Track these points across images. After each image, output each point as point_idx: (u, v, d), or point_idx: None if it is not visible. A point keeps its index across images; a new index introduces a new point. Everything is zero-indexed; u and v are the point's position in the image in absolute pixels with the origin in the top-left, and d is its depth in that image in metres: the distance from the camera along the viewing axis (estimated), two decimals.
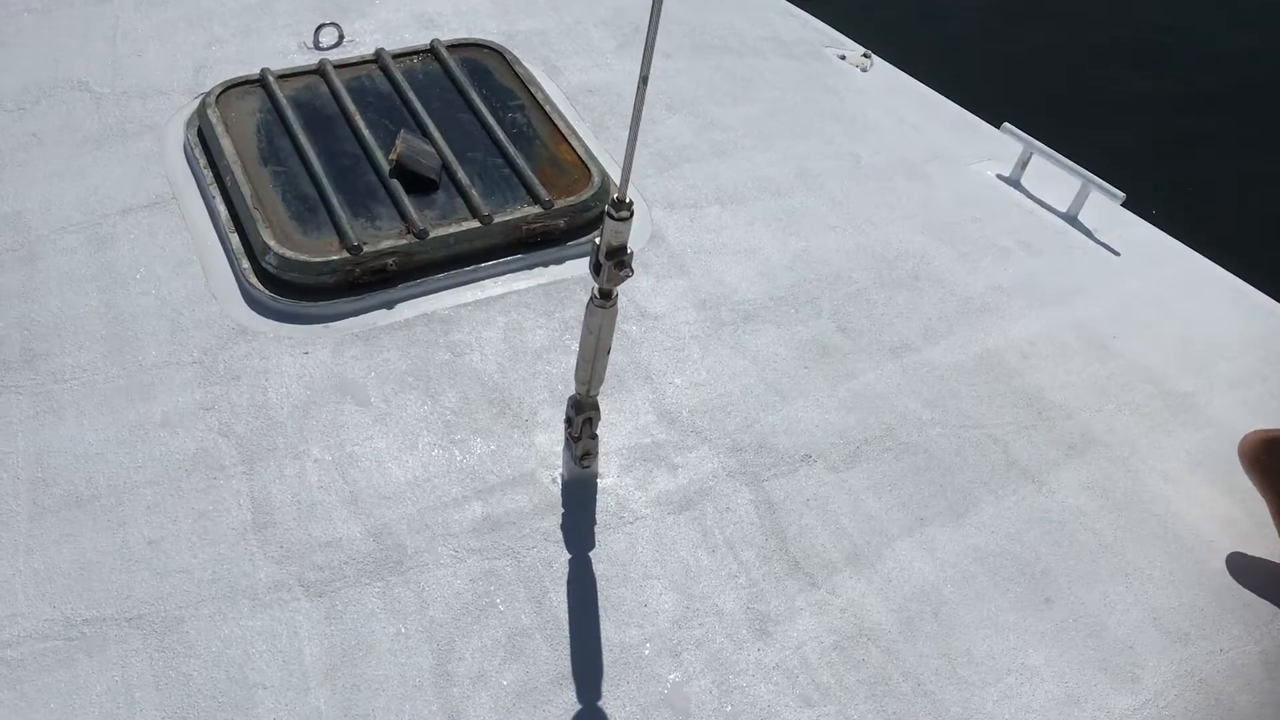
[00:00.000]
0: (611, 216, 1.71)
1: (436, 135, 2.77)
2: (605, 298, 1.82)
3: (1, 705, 1.80)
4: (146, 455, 2.16)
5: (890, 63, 3.79)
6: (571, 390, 2.13)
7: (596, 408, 2.07)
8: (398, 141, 2.68)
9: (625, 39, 3.39)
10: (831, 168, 3.10)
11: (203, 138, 2.77)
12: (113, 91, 2.97)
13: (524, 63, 3.08)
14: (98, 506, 2.07)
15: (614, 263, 1.73)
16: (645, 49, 1.59)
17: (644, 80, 1.60)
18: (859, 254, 2.81)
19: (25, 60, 3.06)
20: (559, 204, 2.62)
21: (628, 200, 1.71)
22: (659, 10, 1.53)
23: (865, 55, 3.75)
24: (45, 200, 2.67)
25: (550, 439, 2.26)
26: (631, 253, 1.77)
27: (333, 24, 3.17)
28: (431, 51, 3.04)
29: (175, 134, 2.85)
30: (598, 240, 1.76)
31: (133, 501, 2.08)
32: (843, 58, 3.71)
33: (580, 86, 3.16)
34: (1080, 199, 3.11)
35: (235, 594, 1.96)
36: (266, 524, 2.06)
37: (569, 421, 2.10)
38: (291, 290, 2.45)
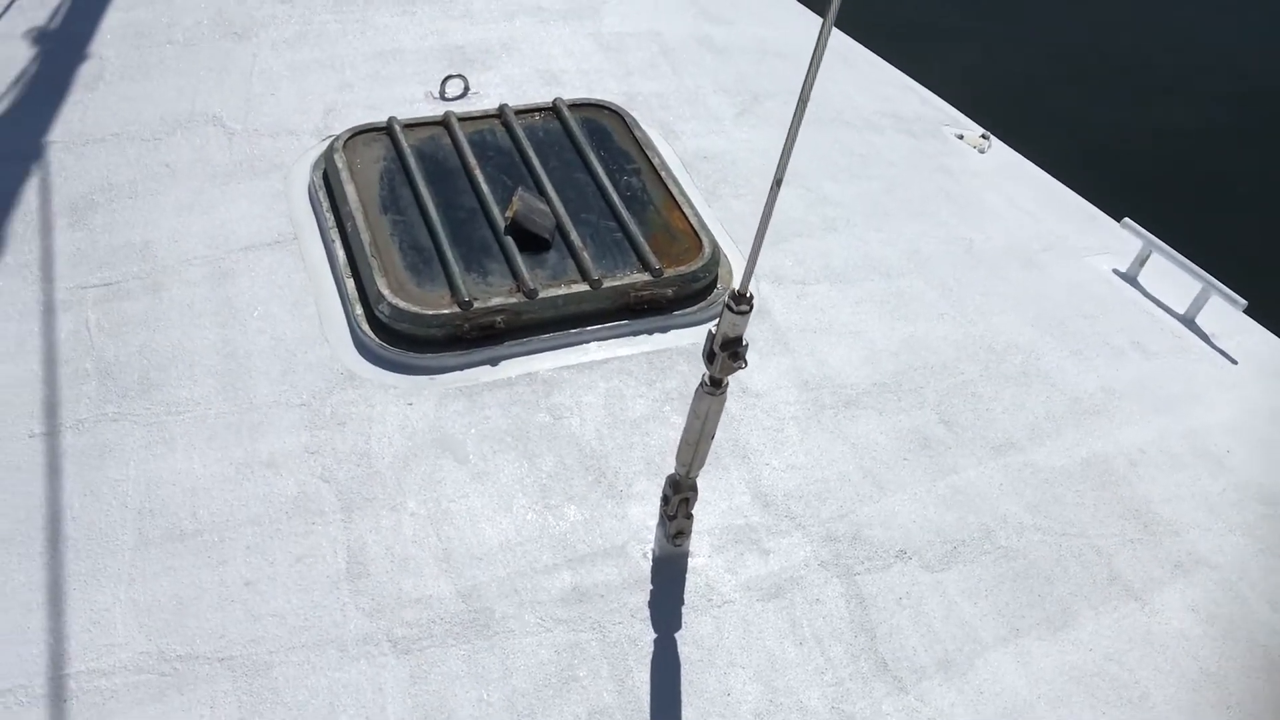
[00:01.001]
0: (730, 309, 1.70)
1: (552, 194, 2.80)
2: (716, 385, 1.82)
3: None
4: (250, 494, 2.20)
5: (1009, 145, 3.74)
6: (668, 465, 2.12)
7: (695, 488, 2.06)
8: (515, 199, 2.72)
9: (744, 107, 3.40)
10: (943, 251, 3.06)
11: (327, 181, 2.84)
12: (245, 129, 3.07)
13: (642, 125, 3.11)
14: (200, 542, 2.11)
15: (729, 354, 1.73)
16: (783, 151, 1.59)
17: (778, 183, 1.60)
18: (967, 343, 2.77)
19: (164, 92, 3.18)
20: (668, 273, 2.63)
21: (749, 294, 1.70)
22: (800, 118, 1.53)
23: (984, 136, 3.70)
24: (173, 231, 2.76)
25: (643, 512, 2.25)
26: (746, 345, 1.77)
27: (459, 75, 3.24)
28: (553, 109, 3.09)
29: (301, 175, 2.93)
30: (713, 329, 1.76)
31: (234, 540, 2.12)
32: (960, 137, 3.68)
33: (696, 152, 3.18)
34: (1200, 302, 3.03)
35: (324, 643, 1.98)
36: (360, 574, 2.09)
37: (665, 499, 2.09)
38: (401, 340, 2.49)
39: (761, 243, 1.69)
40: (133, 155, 2.98)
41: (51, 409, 2.35)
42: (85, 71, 3.26)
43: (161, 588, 2.04)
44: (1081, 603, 2.22)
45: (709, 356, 1.77)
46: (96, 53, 3.33)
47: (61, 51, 3.35)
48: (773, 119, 3.37)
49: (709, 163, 3.15)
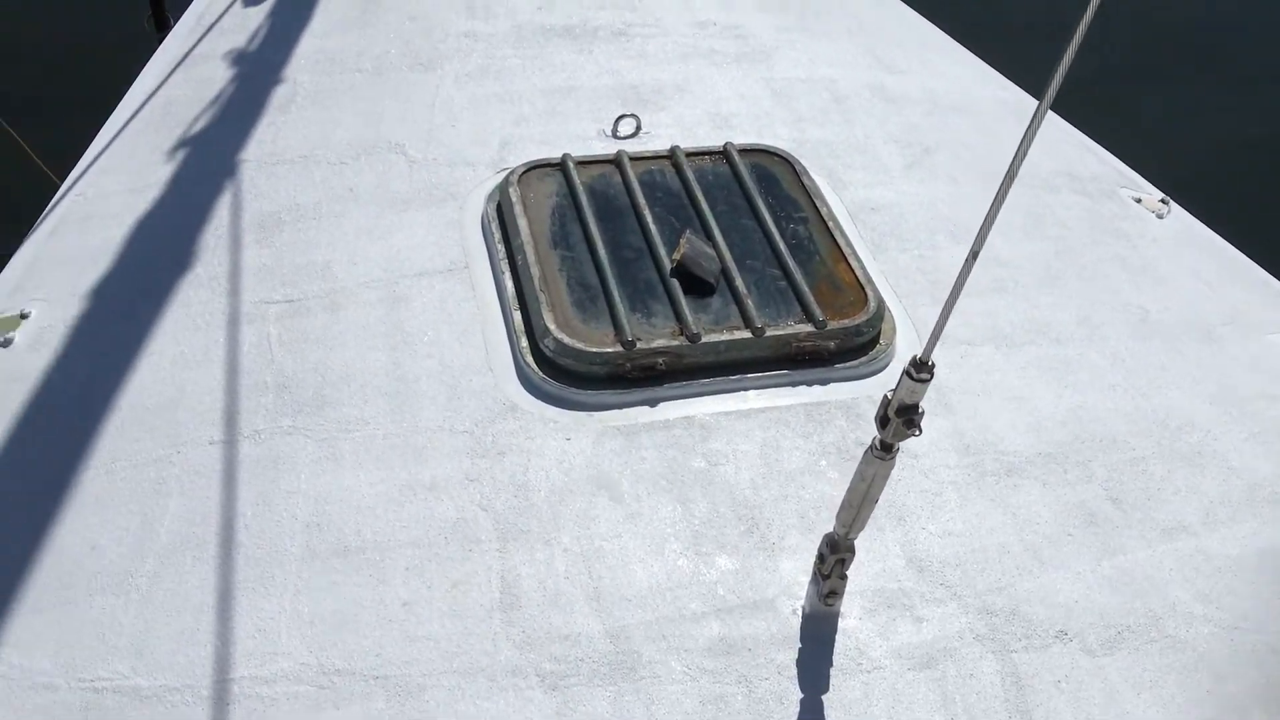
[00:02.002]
0: (911, 376, 1.68)
1: (719, 238, 2.81)
2: (886, 450, 1.79)
3: None
4: (411, 516, 2.27)
5: (1189, 210, 3.60)
6: (822, 520, 2.10)
7: (852, 550, 2.03)
8: (682, 241, 2.74)
9: (914, 159, 3.36)
10: (1116, 319, 2.96)
11: (501, 213, 2.92)
12: (425, 158, 3.18)
13: (811, 173, 3.10)
14: (363, 559, 2.18)
15: (903, 420, 1.70)
16: (984, 223, 1.56)
17: (974, 256, 1.57)
18: (1139, 418, 2.66)
19: (351, 118, 3.33)
20: (832, 325, 2.60)
21: (930, 363, 1.68)
22: (1005, 192, 1.50)
23: (1163, 201, 3.57)
24: (352, 253, 2.87)
25: (795, 567, 2.23)
26: (922, 412, 1.74)
27: (632, 115, 3.29)
28: (723, 153, 3.11)
29: (476, 205, 3.01)
30: (889, 394, 1.73)
31: (394, 560, 2.18)
32: (1138, 200, 3.55)
33: (863, 203, 3.15)
34: None
35: (475, 671, 2.01)
36: (512, 605, 2.12)
37: (821, 558, 2.07)
38: (563, 375, 2.53)
39: (950, 312, 1.66)
40: (319, 178, 3.12)
41: (231, 418, 2.47)
42: (279, 95, 3.43)
43: (324, 602, 2.11)
44: (1254, 705, 2.10)
45: (882, 421, 1.74)
46: (290, 77, 3.51)
47: (258, 74, 3.54)
48: (942, 173, 3.32)
49: (876, 214, 3.12)
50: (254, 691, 1.97)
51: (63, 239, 3.03)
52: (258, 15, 3.83)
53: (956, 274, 2.93)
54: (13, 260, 3.05)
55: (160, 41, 5.94)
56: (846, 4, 4.20)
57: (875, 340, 2.68)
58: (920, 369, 1.67)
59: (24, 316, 2.78)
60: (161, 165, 3.21)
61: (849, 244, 2.86)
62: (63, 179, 6.06)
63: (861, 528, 1.97)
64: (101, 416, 2.49)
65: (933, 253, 3.02)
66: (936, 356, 2.73)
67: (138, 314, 2.74)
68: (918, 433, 1.73)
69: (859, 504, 1.90)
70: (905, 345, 2.71)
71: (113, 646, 2.04)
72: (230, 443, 2.41)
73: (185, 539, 2.22)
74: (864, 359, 2.64)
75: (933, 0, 4.58)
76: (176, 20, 5.91)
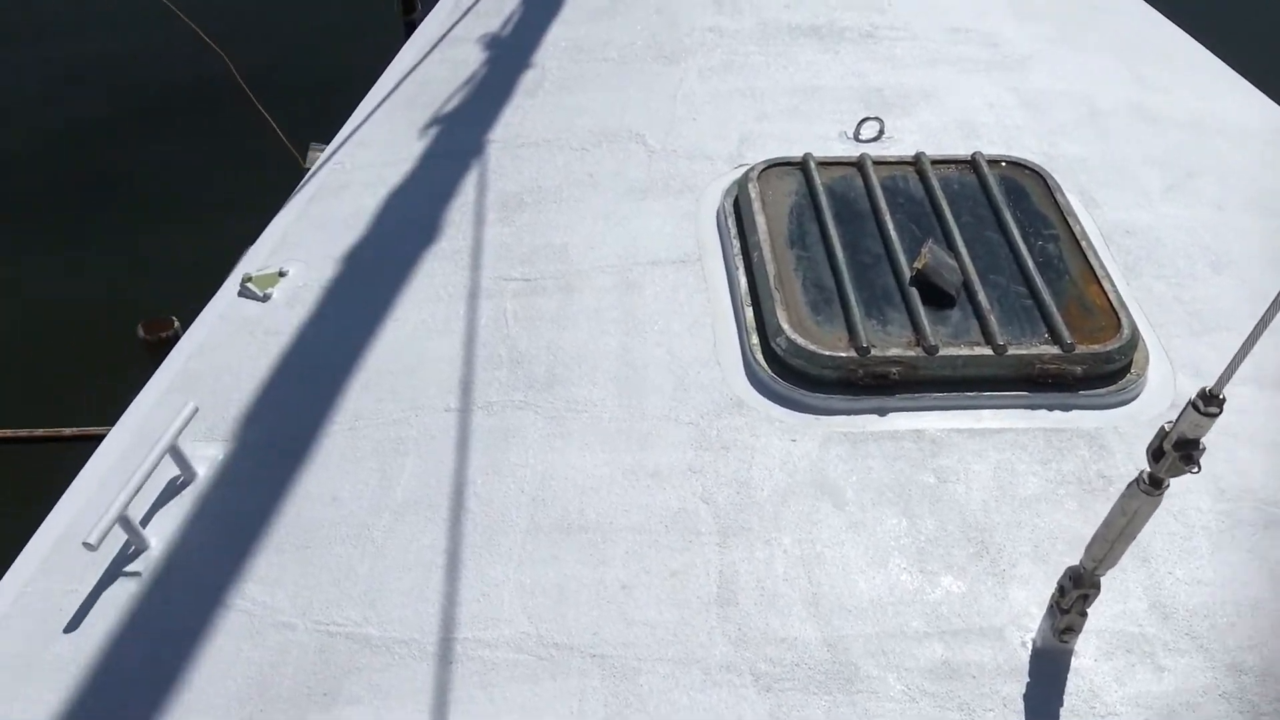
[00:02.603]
0: (1198, 410, 1.56)
1: (962, 250, 2.72)
2: (1155, 486, 1.68)
3: (471, 701, 1.96)
4: (634, 501, 2.28)
5: None
6: (1057, 550, 1.99)
7: (1098, 586, 1.91)
8: (924, 250, 2.66)
9: (1174, 182, 3.16)
10: None
11: (738, 208, 2.91)
12: (664, 148, 3.20)
13: (1064, 191, 2.96)
14: (584, 539, 2.21)
15: (1181, 455, 1.59)
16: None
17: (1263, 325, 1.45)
18: None
19: (595, 106, 3.38)
20: (1081, 349, 2.47)
21: (1222, 396, 1.56)
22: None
23: None
24: (589, 238, 2.92)
25: (1026, 596, 2.12)
26: (1203, 448, 1.62)
27: (876, 118, 3.22)
28: (971, 163, 3.00)
29: (712, 198, 3.01)
30: (1168, 426, 1.62)
31: (615, 542, 2.20)
32: None
33: (1117, 225, 2.98)
34: None
35: (690, 662, 2.00)
36: (729, 602, 2.10)
37: (1061, 591, 1.96)
38: (792, 375, 2.50)
39: (1251, 347, 1.53)
40: (561, 162, 3.18)
41: (467, 388, 2.54)
42: (527, 79, 3.53)
43: (546, 575, 2.15)
44: None
45: (1156, 454, 1.63)
46: (539, 63, 3.60)
47: (508, 58, 3.65)
48: (1205, 199, 3.11)
49: (1131, 238, 2.94)
50: (476, 654, 2.02)
51: (321, 204, 3.20)
52: (512, 1, 3.95)
53: (1219, 308, 2.75)
54: (275, 221, 3.24)
55: (406, 24, 6.23)
56: (1107, 17, 4.00)
57: (1126, 369, 2.53)
58: (1210, 402, 1.55)
59: (282, 274, 2.94)
60: (414, 141, 3.34)
61: (1101, 266, 2.71)
62: (304, 154, 6.41)
63: (1113, 565, 1.86)
64: (347, 375, 2.61)
65: (1191, 282, 2.82)
66: (1184, 389, 2.57)
67: (385, 280, 2.86)
68: (1196, 470, 1.61)
69: (1115, 539, 1.79)
70: (1158, 377, 2.55)
71: (347, 594, 2.14)
72: (465, 411, 2.49)
73: (419, 499, 2.30)
74: (1112, 388, 2.49)
75: (1200, 20, 4.30)
76: (422, 6, 6.19)
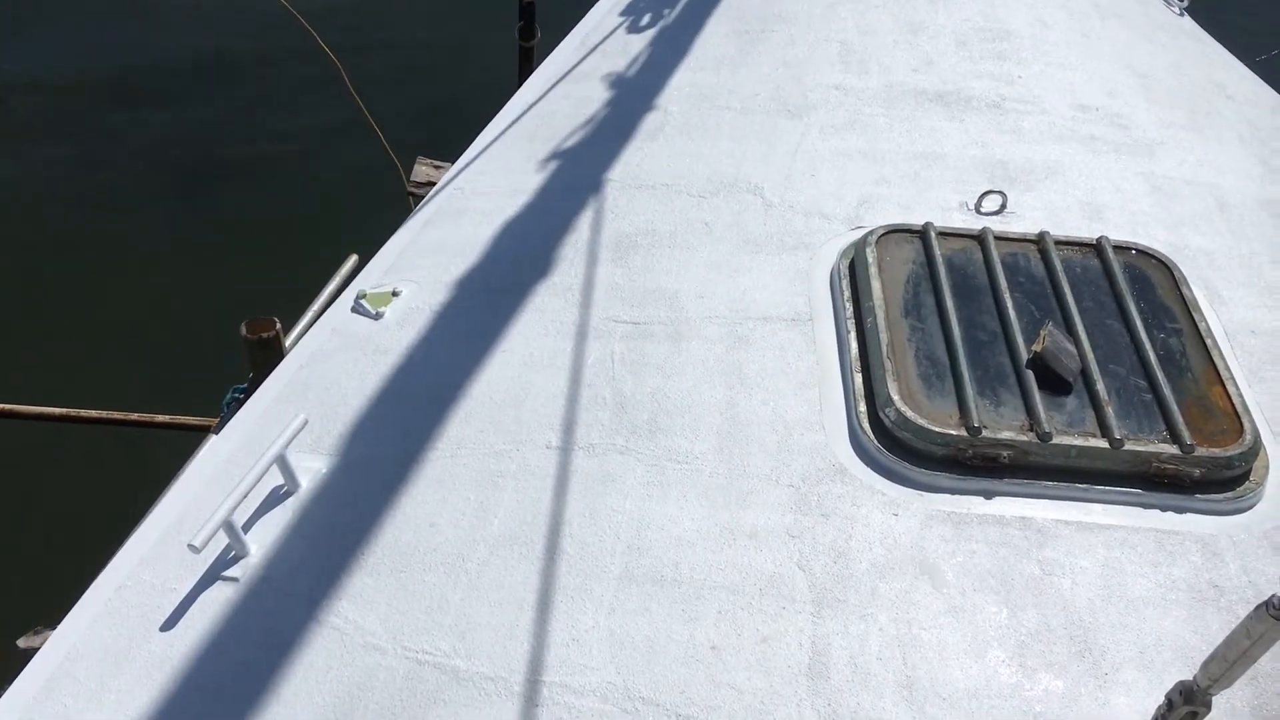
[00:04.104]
0: None
1: (1082, 336, 2.66)
2: None
3: None
4: (729, 560, 2.26)
5: None
6: (1162, 658, 1.92)
7: (1209, 705, 1.85)
8: (1043, 333, 2.61)
9: None
10: None
11: (854, 271, 2.89)
12: (781, 203, 3.19)
13: (1190, 284, 2.89)
14: (677, 593, 2.19)
15: None
16: None
17: None
18: None
19: (715, 154, 3.39)
20: (1200, 451, 2.40)
21: None
22: None
23: None
24: (701, 286, 2.92)
25: (1127, 704, 2.06)
26: None
27: (999, 191, 3.18)
28: (1096, 247, 2.94)
29: (827, 258, 3.00)
30: None
31: (707, 600, 2.18)
32: None
33: (1242, 324, 2.90)
34: None
35: None
36: (820, 675, 2.07)
37: (1169, 705, 1.90)
38: (898, 447, 2.46)
39: None
40: (677, 207, 3.19)
41: (569, 427, 2.55)
42: (649, 121, 3.55)
43: (637, 626, 2.13)
44: None
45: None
46: (663, 106, 3.62)
47: (632, 99, 3.68)
48: None
49: (1256, 339, 2.86)
50: (562, 699, 2.01)
51: (437, 228, 3.25)
52: (639, 42, 3.99)
53: None
54: (391, 241, 3.30)
55: (522, 50, 6.32)
56: (1240, 106, 3.91)
57: (1245, 476, 2.45)
58: None
59: (395, 294, 2.99)
60: (533, 173, 3.38)
61: (1225, 366, 2.63)
62: (409, 168, 6.50)
63: (1227, 685, 1.79)
64: (452, 401, 2.64)
65: None
66: None
67: (496, 310, 2.89)
68: None
69: (1235, 660, 1.73)
70: (1277, 487, 2.46)
71: (439, 623, 2.15)
72: (565, 450, 2.49)
73: (515, 534, 2.31)
74: (1230, 494, 2.41)
75: None
76: (542, 35, 6.28)
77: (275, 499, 2.43)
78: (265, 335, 4.94)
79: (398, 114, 7.88)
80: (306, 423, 2.45)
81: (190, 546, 2.11)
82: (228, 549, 2.31)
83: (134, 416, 5.18)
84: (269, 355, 4.78)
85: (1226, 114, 3.82)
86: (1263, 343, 2.85)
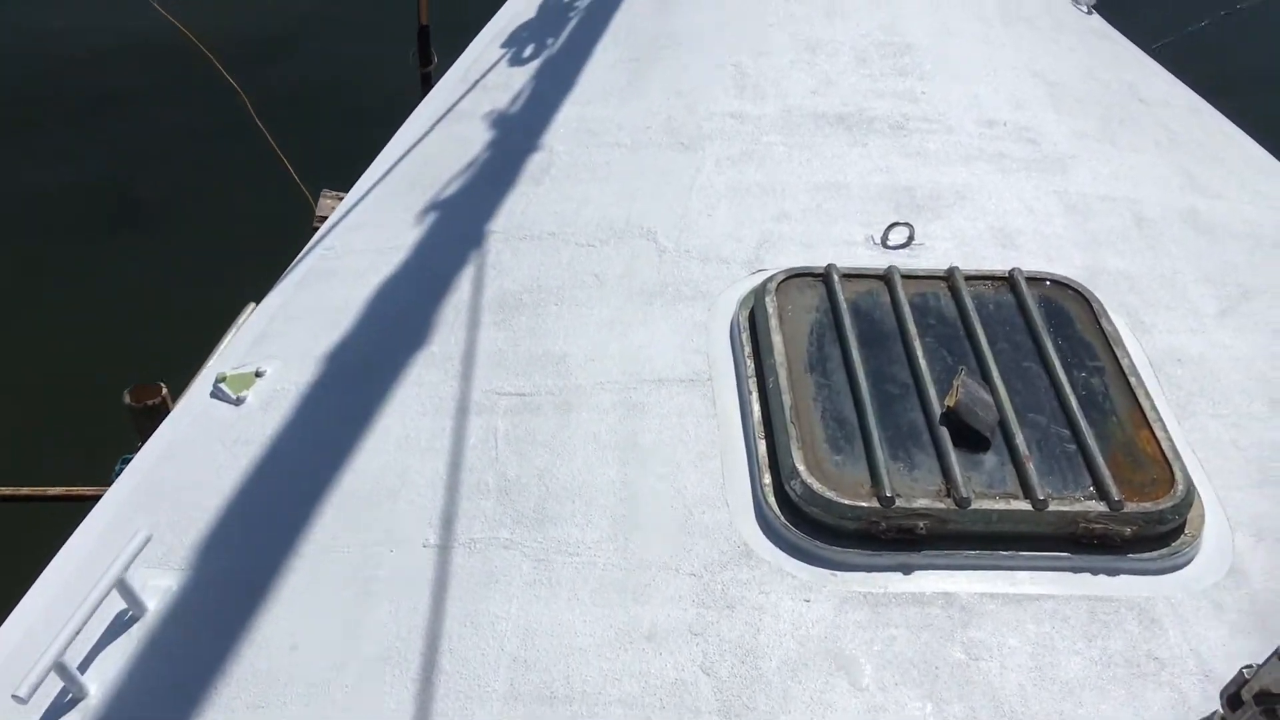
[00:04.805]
0: None
1: (998, 382, 2.47)
2: None
3: None
4: (626, 668, 2.03)
5: None
6: None
7: None
8: (956, 384, 2.42)
9: (1228, 303, 2.91)
10: None
11: (754, 323, 2.67)
12: (676, 247, 2.98)
13: (1110, 313, 2.71)
14: (569, 711, 1.96)
15: (1264, 709, 1.34)
16: None
17: None
18: None
19: (605, 196, 3.17)
20: (1130, 507, 2.22)
21: None
22: None
23: None
24: (591, 348, 2.69)
25: None
26: None
27: (905, 223, 2.99)
28: (1009, 280, 2.76)
29: (726, 308, 2.78)
30: (1247, 672, 1.37)
31: (603, 718, 1.95)
32: None
33: (1168, 352, 2.73)
34: None
35: None
36: None
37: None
38: (806, 522, 2.25)
39: None
40: (565, 258, 2.96)
41: (448, 520, 2.31)
42: (534, 163, 3.32)
43: None
44: None
45: (1232, 701, 1.38)
46: (548, 144, 3.39)
47: (515, 139, 3.44)
48: (1263, 324, 2.86)
49: (1183, 368, 2.70)
50: None
51: (308, 293, 2.99)
52: (523, 75, 3.75)
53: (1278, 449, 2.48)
54: (259, 309, 3.03)
55: (423, 77, 6.05)
56: (1154, 109, 3.77)
57: (1180, 529, 2.28)
58: None
59: (258, 375, 2.73)
60: (411, 227, 3.13)
61: (1152, 405, 2.46)
62: (316, 199, 6.20)
63: None
64: (320, 497, 2.39)
65: (1250, 423, 2.57)
66: (1252, 559, 2.30)
67: (369, 387, 2.64)
68: None
69: None
70: (1215, 538, 2.29)
71: None
72: (444, 548, 2.26)
73: (387, 652, 2.07)
74: (1164, 550, 2.24)
75: (1251, 110, 4.06)
76: (440, 59, 6.02)
77: (119, 626, 2.16)
78: (151, 402, 4.63)
79: (307, 143, 7.54)
80: (150, 539, 2.19)
81: (15, 698, 1.84)
82: (63, 692, 2.04)
83: (25, 491, 4.85)
84: (156, 423, 4.46)
85: (1141, 119, 3.68)
86: (1189, 372, 2.69)
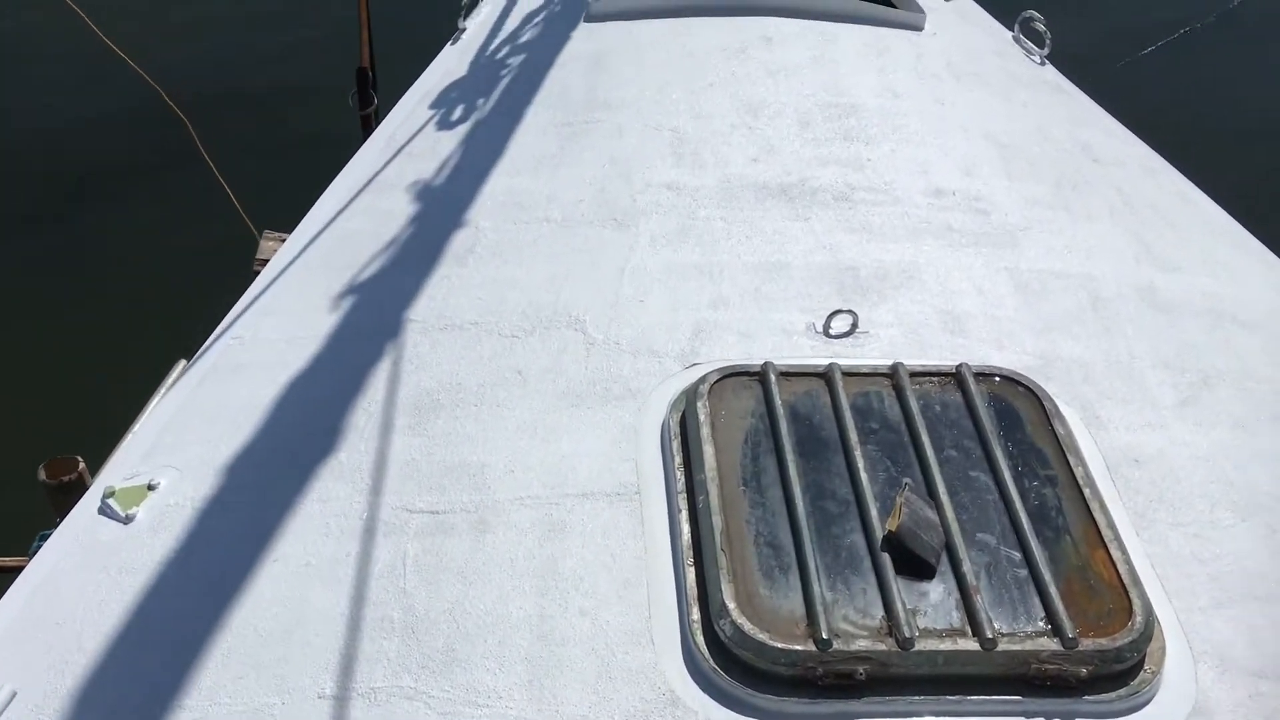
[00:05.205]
0: None
1: (944, 497, 2.30)
2: None
3: None
4: None
5: None
6: None
7: None
8: (899, 502, 2.24)
9: (1190, 393, 2.76)
10: None
11: (685, 430, 2.49)
12: (606, 339, 2.79)
13: (1061, 408, 2.55)
14: None
15: None
16: None
17: None
18: None
19: (532, 278, 2.97)
20: (1085, 645, 2.05)
21: None
22: None
23: None
24: (511, 456, 2.50)
25: None
26: None
27: (848, 311, 2.81)
28: (955, 377, 2.59)
29: (657, 409, 2.60)
30: None
31: None
32: None
33: (1125, 451, 2.57)
34: None
35: None
36: None
37: None
38: (737, 667, 2.07)
39: None
40: (487, 352, 2.77)
41: (348, 664, 2.11)
42: (458, 241, 3.12)
43: None
44: None
45: None
46: (473, 220, 3.19)
47: (439, 213, 3.24)
48: (1225, 416, 2.71)
49: (1141, 469, 2.54)
50: None
51: (211, 390, 2.78)
52: (450, 141, 3.56)
53: (1249, 569, 2.32)
54: (156, 409, 2.82)
55: (362, 119, 5.85)
56: (1108, 170, 3.62)
57: (1139, 665, 2.11)
58: None
59: (151, 488, 2.52)
60: (325, 313, 2.93)
61: (1108, 522, 2.29)
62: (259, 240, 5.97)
63: None
64: (208, 636, 2.18)
65: (1213, 532, 2.42)
66: (1217, 693, 2.13)
67: (271, 502, 2.44)
68: None
69: None
70: (1177, 672, 2.13)
71: None
72: (341, 699, 2.05)
73: None
74: (1123, 690, 2.07)
75: (1210, 168, 3.92)
76: (380, 99, 5.82)
77: None
78: (67, 479, 4.39)
79: (256, 179, 7.28)
80: (15, 695, 1.98)
81: None
82: None
83: None
84: (74, 500, 4.22)
85: (1095, 181, 3.53)
86: (1147, 474, 2.53)
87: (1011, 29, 4.48)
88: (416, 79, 4.18)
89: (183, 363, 4.78)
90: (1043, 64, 4.31)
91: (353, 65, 5.78)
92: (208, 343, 2.99)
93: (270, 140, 8.34)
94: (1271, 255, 3.46)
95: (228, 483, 2.50)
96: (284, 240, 5.90)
